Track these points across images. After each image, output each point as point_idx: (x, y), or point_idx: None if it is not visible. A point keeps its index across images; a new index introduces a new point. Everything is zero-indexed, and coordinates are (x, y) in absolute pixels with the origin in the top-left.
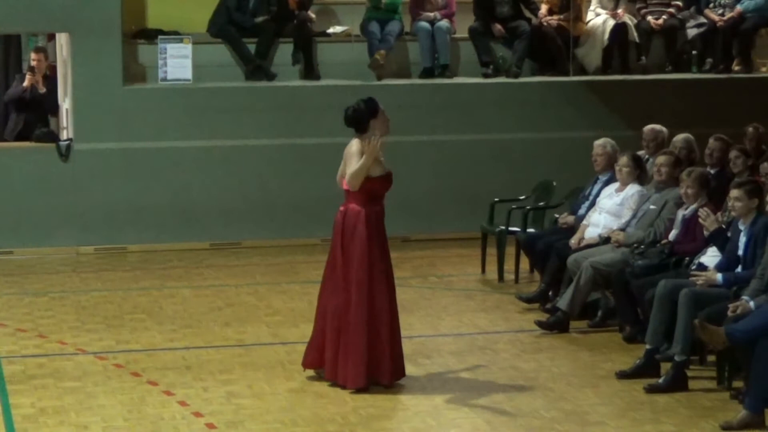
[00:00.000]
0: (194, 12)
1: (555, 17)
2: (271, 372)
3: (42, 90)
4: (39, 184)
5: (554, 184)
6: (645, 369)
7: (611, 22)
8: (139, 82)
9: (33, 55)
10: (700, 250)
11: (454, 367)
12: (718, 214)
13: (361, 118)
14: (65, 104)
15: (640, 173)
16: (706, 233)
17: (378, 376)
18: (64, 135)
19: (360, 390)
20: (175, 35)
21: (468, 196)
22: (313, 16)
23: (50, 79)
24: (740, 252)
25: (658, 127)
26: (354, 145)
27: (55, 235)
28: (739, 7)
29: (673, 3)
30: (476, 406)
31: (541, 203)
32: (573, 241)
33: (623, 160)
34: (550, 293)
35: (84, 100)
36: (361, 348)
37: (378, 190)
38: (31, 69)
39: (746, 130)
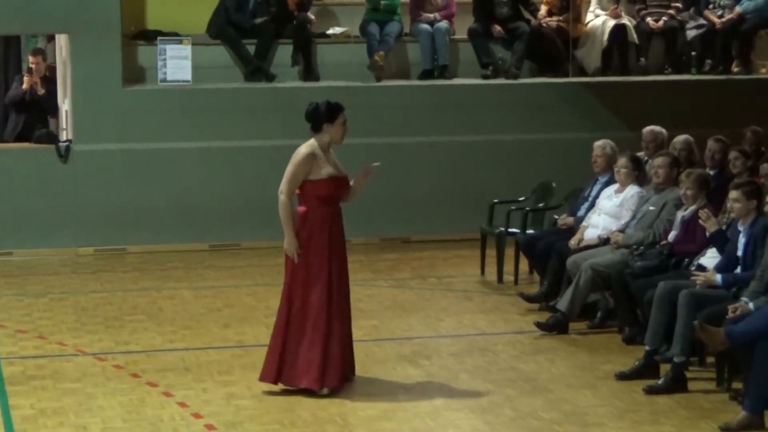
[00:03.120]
0: (193, 13)
1: (554, 18)
2: None
3: (41, 92)
4: (38, 185)
5: (554, 185)
6: (644, 370)
7: (610, 23)
8: (138, 83)
9: (31, 58)
10: (700, 251)
11: (454, 368)
12: (720, 215)
13: (317, 118)
14: (65, 105)
15: (639, 174)
16: (708, 234)
17: (294, 379)
18: (63, 136)
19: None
20: (175, 36)
21: (467, 197)
22: (312, 17)
23: (49, 80)
24: (739, 253)
25: (657, 128)
26: (301, 149)
27: (54, 236)
28: (738, 9)
29: (672, 4)
30: (476, 408)
31: (541, 204)
32: (572, 242)
33: (622, 161)
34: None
35: (83, 101)
36: (276, 347)
37: (321, 193)
38: (29, 71)
39: (744, 134)
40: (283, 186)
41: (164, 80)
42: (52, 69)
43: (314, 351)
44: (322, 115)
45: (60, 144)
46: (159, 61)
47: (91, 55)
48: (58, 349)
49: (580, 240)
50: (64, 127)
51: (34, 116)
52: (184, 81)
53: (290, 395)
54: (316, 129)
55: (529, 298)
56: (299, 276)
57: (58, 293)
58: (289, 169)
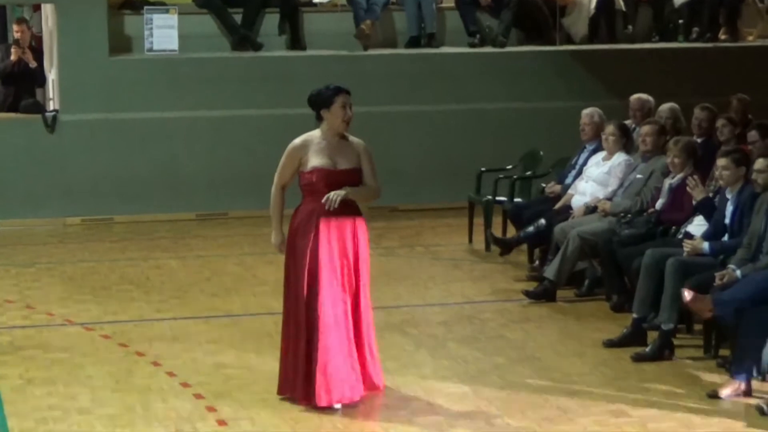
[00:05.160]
0: None
1: None
2: (259, 342)
3: (33, 64)
4: (25, 156)
5: (541, 153)
6: (632, 338)
7: None
8: (125, 52)
9: (15, 27)
10: (687, 219)
11: (442, 336)
12: (707, 183)
13: (314, 105)
14: (51, 75)
15: (626, 142)
16: (695, 202)
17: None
18: (50, 106)
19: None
20: (161, 6)
21: (455, 166)
22: None
23: (36, 50)
24: (727, 221)
25: (644, 96)
26: (293, 141)
27: (41, 206)
28: None
29: None
30: (464, 376)
31: (528, 173)
32: (556, 207)
33: (610, 128)
34: (537, 262)
35: (70, 71)
36: (282, 355)
37: (306, 185)
38: (16, 42)
39: (731, 102)
40: (275, 177)
41: (151, 50)
42: (38, 39)
43: (295, 359)
44: (319, 102)
45: (47, 114)
46: (145, 31)
47: (78, 24)
48: (46, 319)
49: (564, 205)
50: (51, 97)
51: (23, 87)
52: (170, 50)
53: (279, 364)
54: (318, 117)
55: (499, 241)
56: (285, 272)
57: (45, 263)
58: (281, 161)
